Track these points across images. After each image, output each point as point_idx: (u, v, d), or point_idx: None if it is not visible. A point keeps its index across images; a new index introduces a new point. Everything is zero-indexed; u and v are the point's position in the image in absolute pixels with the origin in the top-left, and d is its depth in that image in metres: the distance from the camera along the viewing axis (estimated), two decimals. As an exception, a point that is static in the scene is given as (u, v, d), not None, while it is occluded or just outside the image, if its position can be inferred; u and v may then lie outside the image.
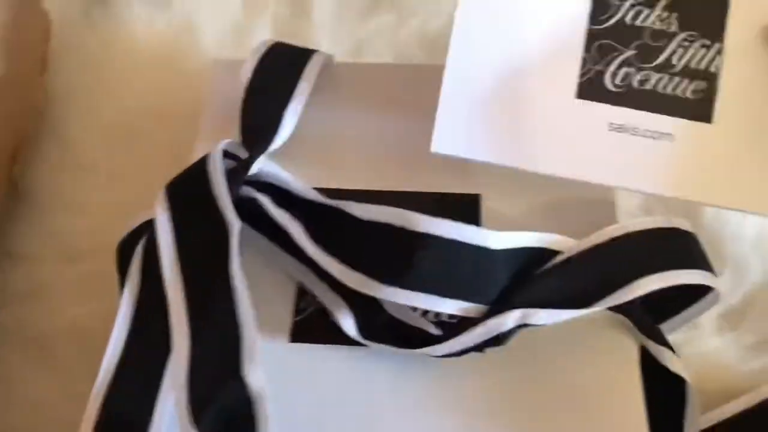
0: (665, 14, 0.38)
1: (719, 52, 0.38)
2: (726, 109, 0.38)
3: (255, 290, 0.36)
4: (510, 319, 0.34)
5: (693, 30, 0.38)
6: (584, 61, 0.38)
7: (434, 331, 0.35)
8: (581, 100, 0.38)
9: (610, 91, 0.38)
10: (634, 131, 0.38)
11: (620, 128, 0.38)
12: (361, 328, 0.35)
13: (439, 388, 0.34)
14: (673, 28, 0.38)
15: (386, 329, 0.35)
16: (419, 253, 0.34)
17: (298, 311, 0.37)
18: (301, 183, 0.38)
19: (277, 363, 0.35)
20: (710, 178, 0.38)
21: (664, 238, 0.37)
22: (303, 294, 0.37)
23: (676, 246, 0.37)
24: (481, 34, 0.38)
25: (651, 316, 0.37)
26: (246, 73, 0.42)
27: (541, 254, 0.36)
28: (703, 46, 0.38)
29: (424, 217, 0.35)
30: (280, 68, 0.43)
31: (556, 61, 0.38)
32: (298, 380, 0.35)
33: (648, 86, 0.38)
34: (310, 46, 0.46)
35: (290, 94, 0.41)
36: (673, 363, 0.36)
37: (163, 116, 0.51)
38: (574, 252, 0.36)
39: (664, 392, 0.37)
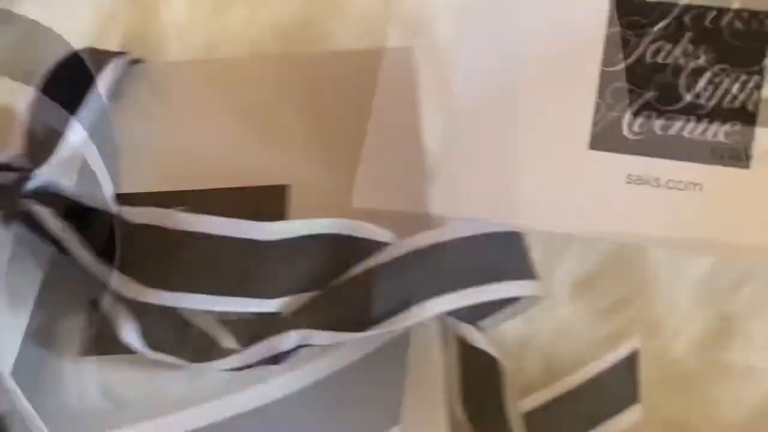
0: (691, 48, 0.34)
1: (758, 86, 0.33)
2: (767, 153, 0.33)
3: (53, 304, 0.36)
4: (287, 341, 0.33)
5: (726, 63, 0.34)
6: (597, 108, 0.35)
7: (227, 343, 0.34)
8: (595, 151, 0.35)
9: (628, 140, 0.34)
10: (655, 182, 0.34)
11: (639, 180, 0.34)
12: (147, 339, 0.34)
13: (240, 392, 0.34)
14: (701, 62, 0.34)
15: (176, 339, 0.34)
16: (181, 252, 0.34)
17: (92, 324, 0.36)
18: (86, 191, 0.37)
19: (72, 378, 0.35)
20: (748, 231, 0.34)
21: (475, 246, 0.35)
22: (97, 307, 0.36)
23: (489, 254, 0.35)
24: (478, 84, 0.36)
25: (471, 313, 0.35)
26: (34, 84, 0.41)
27: (334, 241, 0.34)
28: (737, 80, 0.33)
29: (184, 215, 0.34)
30: (74, 76, 0.41)
31: (565, 108, 0.35)
32: (91, 395, 0.35)
33: (672, 132, 0.34)
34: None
35: (81, 100, 0.40)
36: (478, 340, 0.35)
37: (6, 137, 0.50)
38: (368, 266, 0.34)
39: (483, 371, 0.36)
